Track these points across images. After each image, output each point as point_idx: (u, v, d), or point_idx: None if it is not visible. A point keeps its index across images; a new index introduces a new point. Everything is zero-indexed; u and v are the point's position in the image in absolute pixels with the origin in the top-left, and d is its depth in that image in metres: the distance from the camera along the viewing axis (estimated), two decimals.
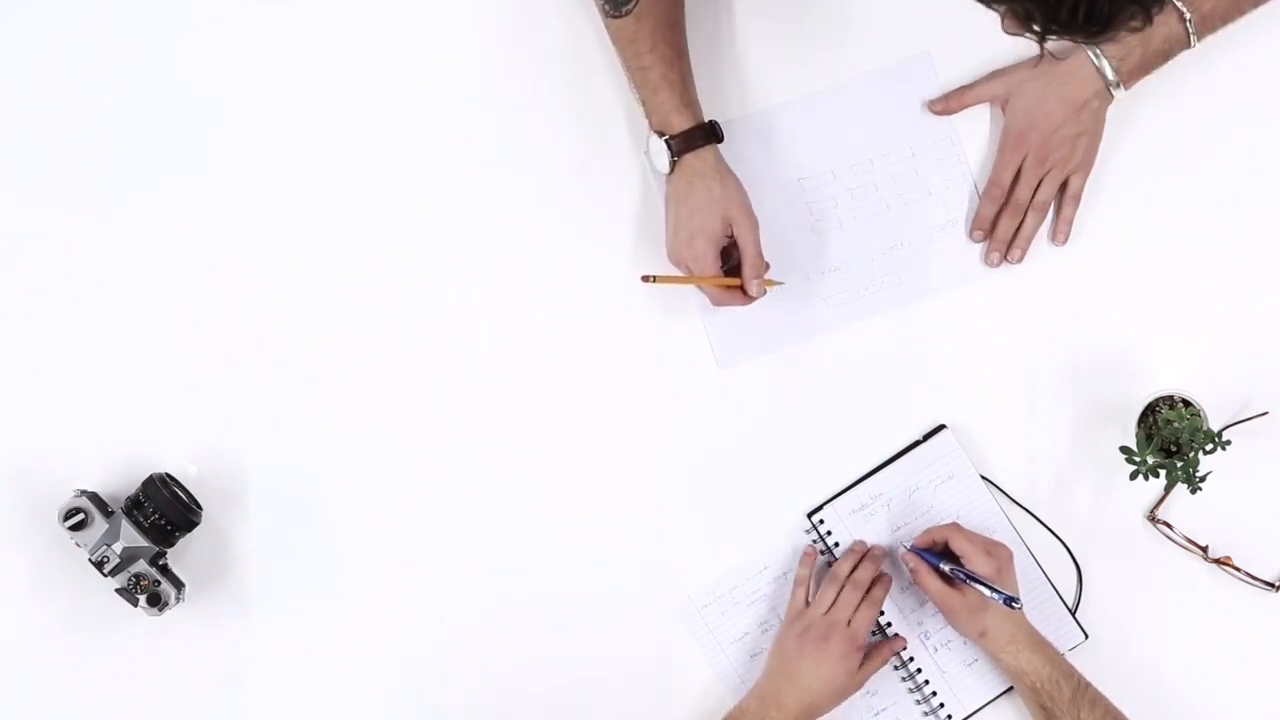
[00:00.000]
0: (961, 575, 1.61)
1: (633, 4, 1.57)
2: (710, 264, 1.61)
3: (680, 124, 1.60)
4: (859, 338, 1.70)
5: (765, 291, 1.62)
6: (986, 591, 1.59)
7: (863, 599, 1.64)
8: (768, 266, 1.64)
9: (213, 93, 1.70)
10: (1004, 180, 1.69)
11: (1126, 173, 1.71)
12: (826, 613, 1.64)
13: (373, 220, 1.70)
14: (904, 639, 1.68)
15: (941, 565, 1.63)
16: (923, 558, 1.65)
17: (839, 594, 1.65)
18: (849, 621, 1.63)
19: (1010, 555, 1.64)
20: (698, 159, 1.61)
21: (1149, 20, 1.22)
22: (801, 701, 1.61)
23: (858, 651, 1.63)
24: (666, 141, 1.60)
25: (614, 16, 1.59)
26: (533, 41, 1.70)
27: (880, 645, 1.67)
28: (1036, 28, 1.23)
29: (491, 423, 1.70)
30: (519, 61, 1.71)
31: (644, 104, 1.63)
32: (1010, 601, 1.59)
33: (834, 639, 1.62)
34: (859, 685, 1.64)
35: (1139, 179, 1.71)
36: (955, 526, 1.65)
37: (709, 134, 1.61)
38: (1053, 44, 1.25)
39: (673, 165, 1.61)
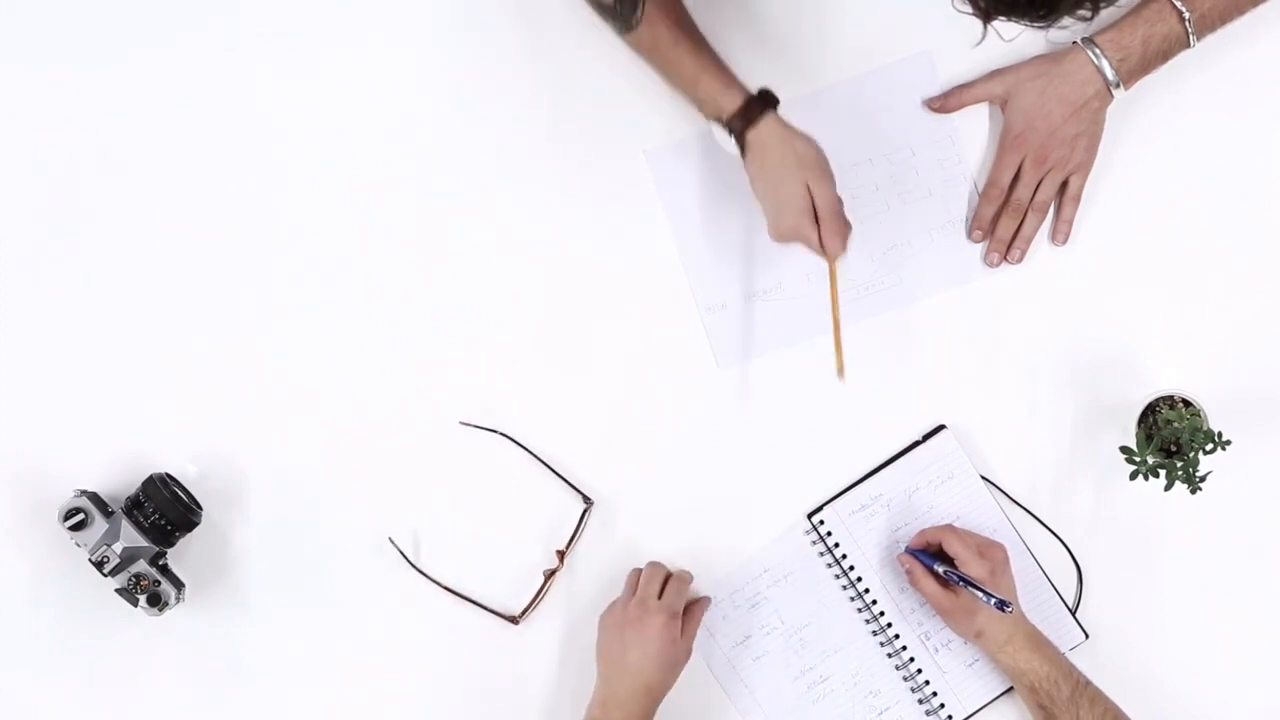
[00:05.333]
0: (955, 578, 1.61)
1: (639, 13, 1.56)
2: (810, 233, 1.58)
3: (730, 104, 1.58)
4: (859, 338, 1.70)
5: (845, 251, 1.59)
6: (979, 595, 1.59)
7: (668, 576, 1.64)
8: (848, 227, 1.59)
9: (214, 95, 1.71)
10: (1003, 180, 1.69)
11: (1126, 173, 1.71)
12: (632, 598, 1.63)
13: (374, 223, 1.71)
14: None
15: (936, 567, 1.63)
16: (918, 559, 1.65)
17: (639, 579, 1.64)
18: (659, 595, 1.61)
19: (1006, 556, 1.64)
20: (760, 132, 1.57)
21: (1096, 9, 1.23)
22: (637, 687, 1.59)
23: (674, 619, 1.60)
24: (725, 125, 1.58)
25: (628, 30, 1.58)
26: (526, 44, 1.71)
27: (693, 606, 1.65)
28: (982, 4, 1.24)
29: (490, 423, 1.69)
30: (516, 60, 1.72)
31: (693, 101, 1.61)
32: (1002, 605, 1.58)
33: (648, 615, 1.60)
34: (688, 651, 1.62)
35: (1139, 179, 1.71)
36: (949, 528, 1.65)
37: (763, 102, 1.58)
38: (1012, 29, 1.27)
39: (742, 147, 1.59)
